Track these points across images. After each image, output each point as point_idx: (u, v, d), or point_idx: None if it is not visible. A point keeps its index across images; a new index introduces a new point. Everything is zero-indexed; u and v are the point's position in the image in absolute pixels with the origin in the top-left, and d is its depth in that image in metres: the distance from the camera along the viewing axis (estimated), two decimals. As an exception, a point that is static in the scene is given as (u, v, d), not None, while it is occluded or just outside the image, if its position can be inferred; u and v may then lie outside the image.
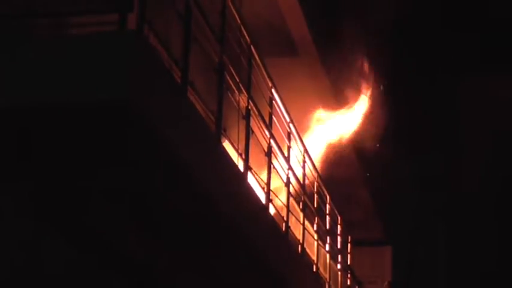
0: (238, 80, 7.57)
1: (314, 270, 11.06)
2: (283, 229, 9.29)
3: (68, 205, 6.10)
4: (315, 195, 11.29)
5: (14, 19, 5.48)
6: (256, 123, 8.20)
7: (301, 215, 10.24)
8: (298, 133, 10.16)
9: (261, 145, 8.49)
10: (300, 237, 10.14)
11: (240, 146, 7.69)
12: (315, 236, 11.11)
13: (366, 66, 13.40)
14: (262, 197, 8.39)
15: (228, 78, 7.32)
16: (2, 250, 5.59)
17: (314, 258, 11.06)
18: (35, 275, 5.80)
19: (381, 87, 13.22)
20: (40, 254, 5.84)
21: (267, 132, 8.59)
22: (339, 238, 12.98)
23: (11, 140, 5.49)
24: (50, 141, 5.51)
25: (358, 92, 13.80)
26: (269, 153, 8.63)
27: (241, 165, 7.65)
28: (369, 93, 14.02)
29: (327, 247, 12.01)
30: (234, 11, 7.55)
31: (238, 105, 7.75)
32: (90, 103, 5.06)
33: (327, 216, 12.10)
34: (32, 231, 5.82)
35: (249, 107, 7.93)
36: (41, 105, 5.12)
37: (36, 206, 5.84)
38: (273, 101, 8.97)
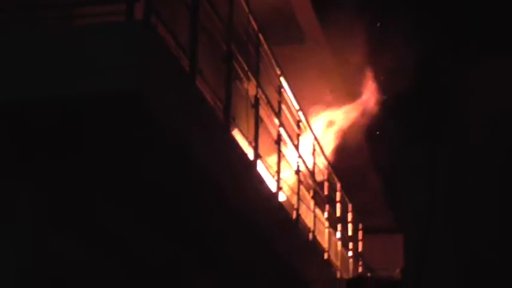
0: (246, 68, 7.55)
1: (325, 257, 11.06)
2: (294, 217, 9.29)
3: (76, 198, 6.10)
4: (325, 182, 11.28)
5: (22, 10, 5.47)
6: (265, 111, 8.19)
7: (311, 202, 10.23)
8: (307, 120, 10.14)
9: (271, 133, 8.48)
10: (310, 225, 10.13)
11: (249, 135, 7.68)
12: (326, 224, 11.10)
13: (374, 52, 13.33)
14: (272, 185, 8.38)
15: (237, 66, 7.30)
16: (12, 245, 5.59)
17: (325, 245, 11.06)
18: (44, 271, 5.81)
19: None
20: (49, 249, 5.84)
21: (276, 120, 8.57)
22: (349, 226, 12.97)
23: (21, 132, 5.49)
24: (58, 134, 5.51)
25: (366, 78, 13.75)
26: (278, 141, 8.62)
27: (250, 154, 7.64)
28: (377, 79, 13.97)
29: (338, 235, 12.01)
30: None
31: (247, 93, 7.73)
32: (98, 94, 5.05)
33: (338, 204, 12.09)
34: (40, 226, 5.82)
35: (258, 95, 7.91)
36: (48, 98, 5.11)
37: (45, 201, 5.84)
38: (282, 89, 8.95)
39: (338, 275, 11.86)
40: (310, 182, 10.18)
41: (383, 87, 13.78)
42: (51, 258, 5.87)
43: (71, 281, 6.18)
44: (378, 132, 13.54)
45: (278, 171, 8.52)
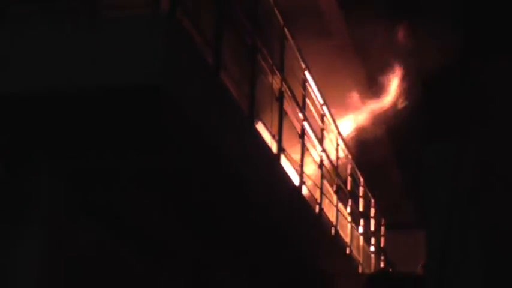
0: (271, 62, 7.55)
1: (347, 252, 11.05)
2: (317, 211, 9.29)
3: (100, 188, 6.13)
4: (348, 177, 11.27)
5: (47, 1, 5.50)
6: (289, 105, 8.19)
7: (334, 197, 10.22)
8: (331, 115, 10.13)
9: (294, 127, 8.48)
10: (333, 220, 10.13)
11: (273, 128, 7.68)
12: (348, 218, 11.09)
13: (400, 46, 13.29)
14: (296, 179, 8.38)
15: (261, 60, 7.30)
16: (36, 231, 5.64)
17: (347, 240, 11.05)
18: (68, 257, 5.85)
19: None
20: (73, 236, 5.89)
21: (300, 114, 8.57)
22: (372, 221, 12.95)
23: (46, 123, 5.52)
24: (83, 125, 5.54)
25: (391, 72, 13.70)
26: (302, 135, 8.61)
27: (274, 148, 7.64)
28: (402, 74, 13.92)
29: (360, 229, 11.99)
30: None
31: (272, 87, 7.73)
32: (123, 86, 5.06)
33: (360, 199, 12.07)
34: (65, 213, 5.86)
35: (282, 89, 7.91)
36: (73, 89, 5.13)
37: (69, 189, 5.88)
38: (306, 83, 8.94)
39: (360, 270, 11.85)
40: (333, 176, 10.17)
41: (408, 81, 13.73)
42: (75, 248, 5.92)
43: (97, 272, 6.23)
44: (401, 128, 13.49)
45: (301, 165, 8.52)
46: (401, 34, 13.08)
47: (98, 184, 6.11)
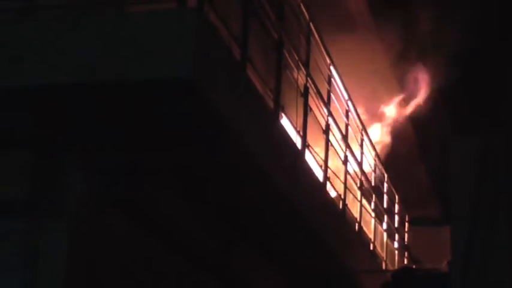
0: (296, 57, 7.54)
1: (371, 248, 11.02)
2: (341, 207, 9.27)
3: (129, 183, 6.15)
4: (373, 173, 11.23)
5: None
6: (314, 100, 8.17)
7: (358, 193, 10.19)
8: (356, 111, 10.10)
9: (319, 122, 8.46)
10: (357, 216, 10.10)
11: (298, 124, 7.67)
12: (372, 215, 11.06)
13: (427, 42, 13.21)
14: (320, 175, 8.36)
15: (287, 55, 7.28)
16: (65, 224, 5.67)
17: (371, 236, 11.02)
18: (96, 250, 5.88)
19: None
20: (101, 229, 5.92)
21: (325, 110, 8.54)
22: (396, 217, 12.90)
23: (77, 116, 5.55)
24: (114, 119, 5.56)
25: (417, 68, 13.63)
26: (327, 130, 8.59)
27: (299, 143, 7.63)
28: (428, 67, 13.85)
29: (384, 225, 11.95)
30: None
31: (297, 82, 7.72)
32: (152, 81, 5.08)
33: (385, 195, 12.03)
34: (94, 207, 5.89)
35: (307, 85, 7.89)
36: (103, 83, 5.16)
37: (98, 183, 5.91)
38: (331, 78, 8.92)
39: (383, 266, 11.82)
40: (358, 172, 10.14)
41: (434, 77, 13.65)
42: (103, 241, 5.94)
43: (125, 266, 6.26)
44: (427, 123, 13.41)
45: (326, 161, 8.50)
46: (427, 27, 13.00)
47: (127, 178, 6.13)
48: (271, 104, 6.88)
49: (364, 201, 10.49)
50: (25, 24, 5.39)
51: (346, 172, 9.47)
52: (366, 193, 10.59)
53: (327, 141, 8.61)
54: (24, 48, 5.27)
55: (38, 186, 5.66)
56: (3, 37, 5.34)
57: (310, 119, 7.97)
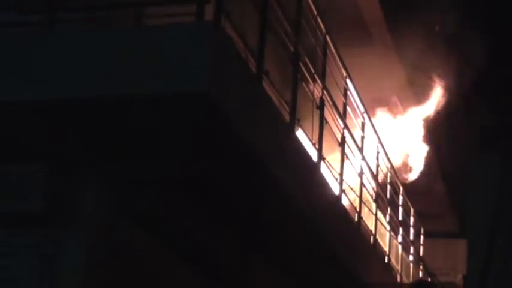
0: (313, 70, 7.54)
1: (386, 261, 10.99)
2: (356, 220, 9.25)
3: (146, 195, 6.17)
4: (388, 186, 11.21)
5: (93, 10, 5.55)
6: (330, 113, 8.17)
7: (373, 205, 10.17)
8: (372, 123, 10.08)
9: (335, 135, 8.45)
10: (372, 228, 10.08)
11: (313, 136, 7.67)
12: (387, 227, 11.03)
13: (443, 55, 13.19)
14: (335, 187, 8.35)
15: (303, 68, 7.29)
16: (82, 236, 5.69)
17: (386, 249, 10.99)
18: (113, 262, 5.90)
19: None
20: (118, 242, 5.93)
21: (340, 122, 8.54)
22: (411, 229, 12.87)
23: (93, 129, 5.58)
24: (130, 132, 5.58)
25: (434, 80, 13.60)
26: (342, 143, 8.58)
27: (314, 155, 7.63)
28: (445, 83, 13.82)
29: (399, 238, 11.92)
30: (310, 1, 7.52)
31: (313, 95, 7.72)
32: (168, 94, 5.09)
33: (400, 208, 12.00)
34: (111, 219, 5.91)
35: (323, 97, 7.90)
36: (119, 97, 5.17)
37: (115, 195, 5.93)
38: (347, 91, 8.92)
39: (398, 279, 11.78)
40: (373, 185, 10.12)
41: (451, 91, 13.61)
42: (120, 254, 5.96)
43: (141, 279, 6.27)
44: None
45: (341, 174, 8.49)
46: (444, 40, 12.98)
47: (143, 191, 6.15)
48: (287, 117, 6.88)
49: (379, 214, 10.47)
50: (43, 38, 5.42)
51: (362, 185, 9.45)
52: (381, 206, 10.57)
53: (343, 153, 8.60)
54: (42, 62, 5.30)
55: (55, 199, 5.68)
56: (21, 51, 5.38)
57: (325, 132, 7.97)
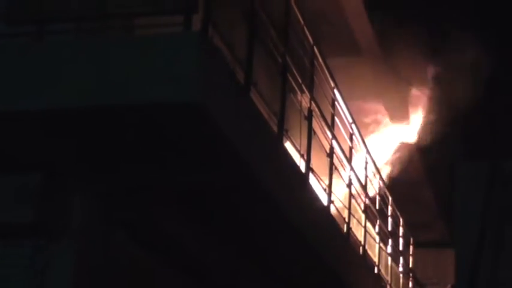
0: (300, 81, 7.56)
1: (375, 272, 10.99)
2: (345, 230, 9.25)
3: (134, 205, 6.17)
4: (377, 196, 11.22)
5: (82, 21, 5.56)
6: (318, 124, 8.18)
7: (362, 216, 10.18)
8: (360, 134, 10.10)
9: (323, 146, 8.46)
10: (361, 239, 10.08)
11: (301, 147, 7.67)
12: (377, 238, 11.04)
13: (431, 66, 13.25)
14: (324, 198, 8.36)
15: (291, 79, 7.31)
16: (70, 246, 5.68)
17: (375, 260, 10.99)
18: (101, 273, 5.88)
19: None
20: (107, 252, 5.92)
21: (329, 133, 8.55)
22: (400, 240, 12.87)
23: (82, 138, 5.57)
24: (118, 142, 5.58)
25: (422, 92, 13.65)
26: (331, 154, 8.59)
27: (302, 166, 7.64)
28: (433, 93, 13.87)
29: (389, 249, 11.92)
30: (298, 12, 7.54)
31: (301, 106, 7.74)
32: (156, 105, 5.10)
33: (389, 218, 12.01)
34: (99, 229, 5.90)
35: (311, 108, 7.91)
36: (109, 107, 5.18)
37: (104, 205, 5.92)
38: (336, 102, 8.93)
39: (388, 290, 11.78)
40: (362, 195, 10.13)
41: (440, 101, 13.66)
42: (108, 264, 5.95)
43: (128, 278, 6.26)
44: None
45: (330, 185, 8.50)
46: (432, 50, 13.02)
47: (134, 201, 6.15)
48: (275, 128, 6.89)
49: (368, 225, 10.47)
50: (34, 49, 5.42)
51: (351, 195, 9.46)
52: (370, 216, 10.57)
53: (331, 164, 8.61)
54: (32, 72, 5.30)
55: (46, 209, 5.68)
56: (12, 61, 5.37)
57: (314, 143, 7.98)
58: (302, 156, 7.65)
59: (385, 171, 12.69)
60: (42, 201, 5.65)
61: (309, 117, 7.87)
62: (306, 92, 7.77)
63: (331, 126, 8.66)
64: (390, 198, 12.06)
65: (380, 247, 11.20)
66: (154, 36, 5.26)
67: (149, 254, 6.46)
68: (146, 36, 5.34)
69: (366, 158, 10.43)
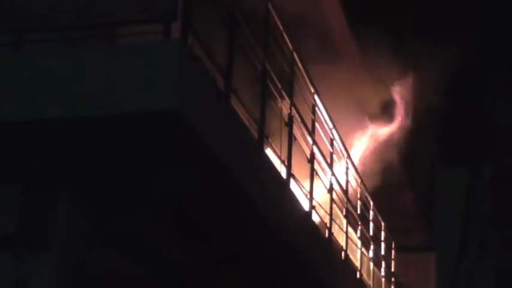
0: (280, 87, 7.58)
1: (357, 276, 11.02)
2: (326, 236, 9.27)
3: (118, 215, 6.16)
4: (358, 201, 11.25)
5: (63, 29, 5.55)
6: (298, 130, 8.20)
7: (344, 221, 10.21)
8: (341, 139, 10.14)
9: (304, 152, 8.48)
10: (343, 244, 10.10)
11: (282, 153, 7.69)
12: (359, 243, 11.07)
13: (411, 72, 13.32)
14: (305, 204, 8.38)
15: (271, 85, 7.33)
16: (54, 256, 5.67)
17: (357, 264, 11.02)
18: (87, 281, 5.87)
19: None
20: (90, 262, 5.92)
21: (309, 139, 8.58)
22: (382, 244, 12.91)
23: (65, 148, 5.57)
24: (100, 151, 5.58)
25: (402, 98, 13.72)
26: (312, 160, 8.62)
27: (283, 173, 7.65)
28: (413, 96, 13.94)
29: (371, 254, 11.96)
30: (277, 18, 7.57)
31: (281, 112, 7.76)
32: (136, 113, 5.11)
33: (371, 223, 12.05)
34: (83, 239, 5.89)
35: (292, 114, 7.93)
36: (89, 117, 5.18)
37: (87, 215, 5.92)
38: (316, 108, 8.96)
39: (370, 294, 11.81)
40: (343, 200, 10.16)
41: (419, 107, 13.74)
42: (92, 274, 5.93)
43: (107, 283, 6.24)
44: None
45: (311, 190, 8.52)
46: (412, 57, 13.09)
47: (116, 209, 6.14)
48: (255, 134, 6.91)
49: (350, 229, 10.50)
50: (13, 59, 5.42)
51: (332, 201, 9.49)
52: (351, 221, 10.60)
53: (312, 170, 8.63)
54: (12, 82, 5.30)
55: (28, 219, 5.66)
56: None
57: (295, 149, 8.00)
58: (283, 162, 7.67)
59: (367, 176, 12.72)
60: (24, 212, 5.63)
61: (290, 123, 7.89)
62: (286, 98, 7.79)
63: (312, 132, 8.69)
64: (372, 203, 12.10)
65: (362, 252, 11.23)
66: (134, 44, 5.27)
67: (132, 262, 6.45)
68: (126, 45, 5.35)
69: (347, 163, 10.47)
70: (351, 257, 10.60)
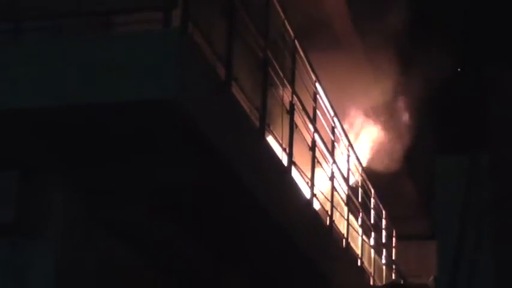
0: (282, 75, 7.57)
1: (358, 264, 11.03)
2: (328, 224, 9.28)
3: (115, 204, 6.16)
4: (360, 189, 11.25)
5: (61, 18, 5.54)
6: (300, 117, 8.19)
7: (345, 209, 10.21)
8: (342, 127, 10.12)
9: (305, 140, 8.48)
10: (344, 232, 10.11)
11: (284, 141, 7.68)
12: (360, 231, 11.07)
13: (411, 58, 13.27)
14: (307, 192, 8.38)
15: (272, 73, 7.31)
16: (50, 245, 5.66)
17: (358, 252, 11.03)
18: (82, 272, 5.87)
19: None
20: (87, 251, 5.91)
21: (311, 127, 8.57)
22: (383, 232, 12.92)
23: (62, 137, 5.56)
24: (98, 140, 5.57)
25: (403, 85, 13.69)
26: (313, 147, 8.61)
27: (285, 160, 7.65)
28: (414, 85, 13.91)
29: (372, 241, 11.96)
30: (278, 6, 7.54)
31: (282, 100, 7.74)
32: (136, 101, 5.09)
33: (372, 211, 12.05)
34: (80, 228, 5.89)
35: (293, 102, 7.92)
36: (87, 105, 5.17)
37: (84, 204, 5.91)
38: (317, 95, 8.95)
39: (371, 282, 11.82)
40: (345, 188, 10.16)
41: (420, 93, 13.70)
42: (89, 263, 5.93)
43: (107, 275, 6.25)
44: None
45: (312, 178, 8.52)
46: (412, 44, 13.05)
47: (113, 199, 6.14)
48: (257, 122, 6.90)
49: (351, 217, 10.50)
50: (9, 47, 5.40)
51: (333, 188, 9.48)
52: (353, 209, 10.61)
53: (313, 158, 8.63)
54: (8, 71, 5.28)
55: (24, 208, 5.65)
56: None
57: (296, 136, 7.99)
58: (284, 150, 7.66)
59: (368, 164, 12.71)
60: (21, 200, 5.63)
61: (291, 111, 7.87)
62: (288, 86, 7.78)
63: (313, 120, 8.68)
64: (373, 191, 12.10)
65: (363, 240, 11.23)
66: (134, 33, 5.25)
67: (129, 252, 6.45)
68: (125, 34, 5.32)
69: (348, 151, 10.46)
70: (352, 244, 10.60)
